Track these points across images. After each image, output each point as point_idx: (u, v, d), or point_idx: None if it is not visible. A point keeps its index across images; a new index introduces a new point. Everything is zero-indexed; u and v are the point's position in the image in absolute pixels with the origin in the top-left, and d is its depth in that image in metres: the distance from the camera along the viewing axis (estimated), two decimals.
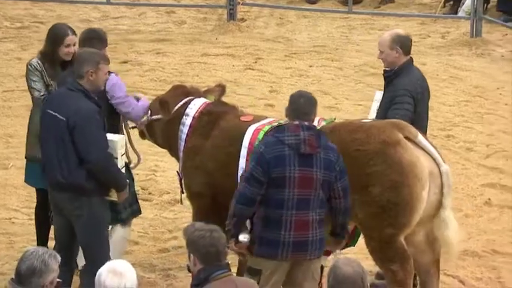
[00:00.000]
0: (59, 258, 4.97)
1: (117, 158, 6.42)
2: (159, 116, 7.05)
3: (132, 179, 7.14)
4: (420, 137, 6.47)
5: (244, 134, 6.69)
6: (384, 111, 6.84)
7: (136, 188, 8.53)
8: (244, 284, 5.20)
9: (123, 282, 4.84)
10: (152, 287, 7.28)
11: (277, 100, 10.10)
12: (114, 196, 6.47)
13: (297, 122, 5.98)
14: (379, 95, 7.07)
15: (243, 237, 6.01)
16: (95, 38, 7.00)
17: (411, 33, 11.65)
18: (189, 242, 5.11)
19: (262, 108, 9.49)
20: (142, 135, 7.30)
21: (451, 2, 12.06)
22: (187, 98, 7.09)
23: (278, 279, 6.06)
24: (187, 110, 7.01)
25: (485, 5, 11.68)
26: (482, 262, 7.11)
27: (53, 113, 6.40)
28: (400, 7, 12.38)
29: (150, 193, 8.44)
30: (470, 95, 10.15)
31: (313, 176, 5.95)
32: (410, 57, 6.88)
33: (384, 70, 6.95)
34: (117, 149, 6.43)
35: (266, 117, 7.00)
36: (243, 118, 6.86)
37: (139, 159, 7.31)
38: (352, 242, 6.79)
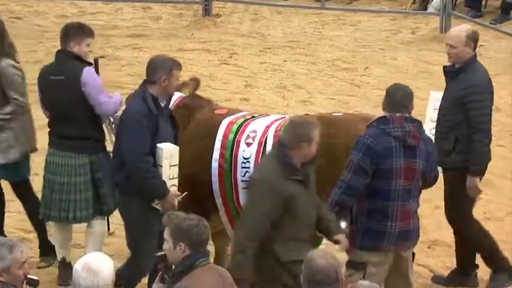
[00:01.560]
0: (24, 248, 4.94)
1: (161, 166, 6.22)
2: None
3: None
4: None
5: (219, 127, 6.65)
6: (452, 107, 6.74)
7: None
8: (222, 270, 5.20)
9: (97, 281, 4.79)
10: None
11: (252, 94, 10.08)
12: (159, 205, 6.30)
13: (399, 114, 5.89)
14: (436, 95, 6.91)
15: (343, 225, 5.88)
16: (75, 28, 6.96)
17: (382, 28, 11.77)
18: (178, 230, 5.06)
19: (237, 102, 9.45)
20: None
21: None
22: None
23: (383, 273, 5.94)
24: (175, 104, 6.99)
25: (454, 1, 11.71)
26: (452, 251, 7.11)
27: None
28: (372, 3, 12.39)
29: None
30: (440, 89, 10.11)
31: (416, 167, 5.91)
32: (475, 52, 6.81)
33: (447, 66, 6.84)
34: (163, 158, 6.21)
35: (240, 111, 6.97)
36: (217, 111, 6.82)
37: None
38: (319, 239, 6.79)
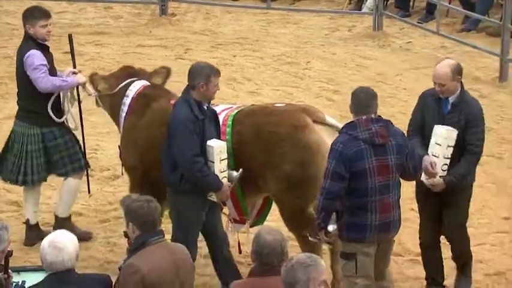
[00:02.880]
0: (9, 229, 4.86)
1: (213, 162, 6.18)
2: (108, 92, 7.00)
3: (77, 140, 7.24)
4: (328, 118, 6.50)
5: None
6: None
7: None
8: (178, 247, 5.16)
9: (62, 256, 4.75)
10: (95, 254, 7.19)
11: None
12: (213, 197, 6.27)
13: (365, 117, 5.81)
14: (449, 133, 6.28)
15: (332, 228, 5.84)
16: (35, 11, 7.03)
17: (322, 27, 11.79)
18: (128, 211, 5.03)
19: None
20: (97, 104, 7.23)
21: (356, 0, 12.12)
22: (129, 80, 7.01)
23: (372, 259, 5.89)
24: (128, 92, 6.95)
25: (385, 2, 11.77)
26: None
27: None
28: (312, 4, 12.41)
29: (92, 169, 8.30)
30: (374, 81, 10.21)
31: (389, 162, 5.81)
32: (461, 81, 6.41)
33: (444, 97, 6.34)
34: (214, 154, 6.17)
35: None
36: (173, 101, 6.79)
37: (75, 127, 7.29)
38: (260, 219, 6.79)
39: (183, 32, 11.45)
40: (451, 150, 6.28)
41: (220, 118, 6.54)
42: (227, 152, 6.31)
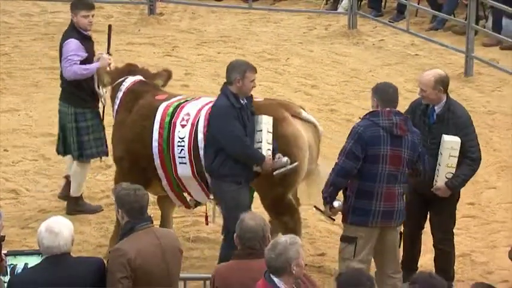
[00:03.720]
0: (2, 215, 4.85)
1: (260, 131, 6.17)
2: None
3: (103, 127, 7.33)
4: (304, 113, 6.50)
5: (157, 110, 6.60)
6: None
7: None
8: (164, 233, 5.16)
9: (57, 241, 4.75)
10: (88, 238, 7.18)
11: (191, 81, 10.03)
12: (257, 168, 6.25)
13: (388, 109, 5.80)
14: (452, 143, 6.15)
15: (337, 204, 5.86)
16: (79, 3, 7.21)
17: (300, 25, 11.79)
18: (117, 198, 5.04)
19: (179, 88, 9.38)
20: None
21: (332, 0, 12.12)
22: (125, 76, 6.99)
23: (371, 245, 5.89)
24: (121, 87, 6.93)
25: (359, 2, 11.78)
26: None
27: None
28: (291, 4, 12.40)
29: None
30: (348, 76, 10.24)
31: (402, 154, 5.82)
32: (447, 92, 6.29)
33: (431, 108, 6.24)
34: (262, 124, 6.17)
35: (177, 95, 6.91)
36: (157, 97, 6.78)
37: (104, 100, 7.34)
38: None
39: (170, 30, 11.41)
40: (454, 159, 6.17)
41: (204, 111, 6.53)
42: None
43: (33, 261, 5.12)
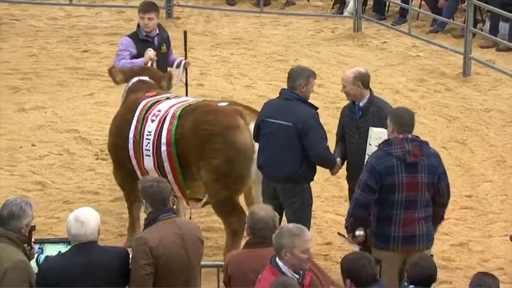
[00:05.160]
0: (33, 206, 4.87)
1: (370, 145, 6.06)
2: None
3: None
4: (252, 125, 6.31)
5: (139, 105, 6.61)
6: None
7: (96, 150, 8.43)
8: (185, 223, 5.16)
9: (84, 230, 4.78)
10: (110, 228, 7.19)
11: (206, 81, 10.03)
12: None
13: (401, 136, 5.58)
14: (371, 133, 6.11)
15: (358, 233, 5.66)
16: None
17: (308, 28, 11.76)
18: (142, 190, 5.04)
19: (194, 87, 9.40)
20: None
21: (338, 5, 12.10)
22: (136, 77, 6.99)
23: (397, 268, 5.66)
24: (127, 86, 7.00)
25: (364, 7, 11.75)
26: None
27: (276, 121, 6.08)
28: (300, 8, 12.38)
29: (107, 154, 8.29)
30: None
31: (419, 180, 5.55)
32: (370, 89, 6.31)
33: (354, 101, 6.25)
34: (372, 138, 6.04)
35: (166, 94, 6.81)
36: (147, 93, 6.75)
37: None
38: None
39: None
40: None
41: (173, 109, 6.50)
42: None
43: (57, 249, 5.15)
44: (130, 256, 4.92)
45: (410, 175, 5.57)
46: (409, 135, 5.63)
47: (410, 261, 4.79)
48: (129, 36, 7.29)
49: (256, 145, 6.25)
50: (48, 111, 9.22)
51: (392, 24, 11.52)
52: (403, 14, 11.59)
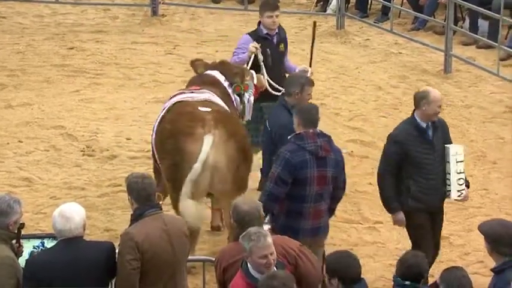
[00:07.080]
0: (22, 203, 4.84)
1: (449, 162, 5.94)
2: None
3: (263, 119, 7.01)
4: (210, 136, 6.18)
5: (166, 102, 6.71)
6: None
7: (82, 146, 8.40)
8: (171, 219, 5.14)
9: (69, 225, 4.76)
10: (96, 223, 7.17)
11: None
12: None
13: (311, 131, 5.66)
14: (455, 149, 6.05)
15: (266, 228, 5.54)
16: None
17: (292, 26, 11.73)
18: (127, 186, 5.03)
19: (180, 83, 9.37)
20: None
21: (321, 3, 12.10)
22: (209, 70, 7.05)
23: None
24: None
25: (347, 4, 11.76)
26: (347, 199, 7.19)
27: (267, 124, 6.17)
28: (284, 6, 12.33)
29: (93, 150, 8.30)
30: (337, 73, 10.23)
31: (327, 174, 5.68)
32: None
33: (417, 124, 6.05)
34: (450, 155, 5.94)
35: (202, 91, 6.69)
36: (190, 88, 6.76)
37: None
38: None
39: (171, 30, 11.38)
40: (461, 164, 6.03)
41: (168, 105, 6.55)
42: None
43: (46, 244, 5.12)
44: (117, 251, 4.91)
45: (321, 169, 5.67)
46: (318, 130, 5.74)
47: (401, 258, 4.76)
48: (249, 33, 7.25)
49: (213, 156, 6.11)
50: (35, 107, 9.17)
51: (374, 22, 11.54)
52: (385, 12, 11.61)
